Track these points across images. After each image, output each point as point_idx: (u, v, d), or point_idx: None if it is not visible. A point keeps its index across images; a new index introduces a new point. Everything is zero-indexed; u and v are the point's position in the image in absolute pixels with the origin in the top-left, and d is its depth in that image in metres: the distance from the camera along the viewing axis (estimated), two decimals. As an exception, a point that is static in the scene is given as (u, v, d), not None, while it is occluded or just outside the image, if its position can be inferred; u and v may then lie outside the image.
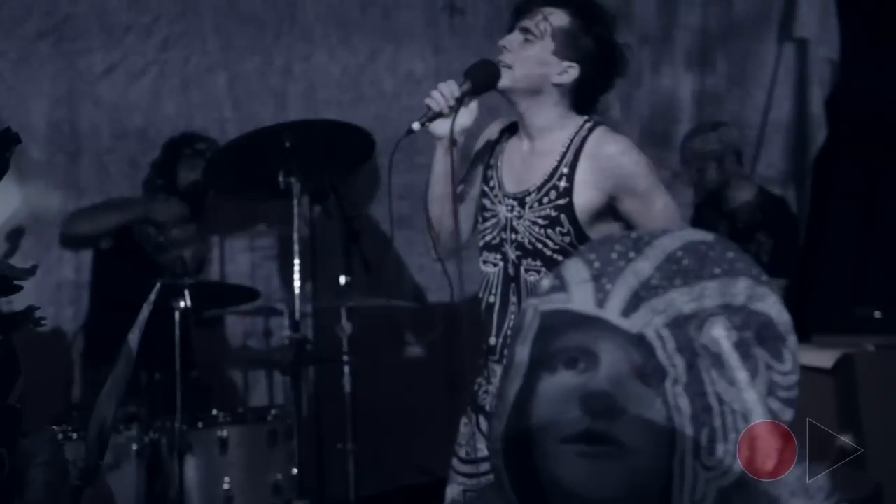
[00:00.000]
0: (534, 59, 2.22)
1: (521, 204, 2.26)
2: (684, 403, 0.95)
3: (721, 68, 4.75)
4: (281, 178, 3.40)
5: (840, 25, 4.53)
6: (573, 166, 2.22)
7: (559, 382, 0.98)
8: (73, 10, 4.13)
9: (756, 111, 4.71)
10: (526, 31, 2.23)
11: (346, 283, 3.82)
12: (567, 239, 2.21)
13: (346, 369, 3.80)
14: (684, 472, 0.95)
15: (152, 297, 1.55)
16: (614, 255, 0.99)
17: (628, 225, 2.25)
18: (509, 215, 2.28)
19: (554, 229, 2.21)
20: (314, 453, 3.96)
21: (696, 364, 0.96)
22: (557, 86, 2.24)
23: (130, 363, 1.51)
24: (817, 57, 4.58)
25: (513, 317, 2.27)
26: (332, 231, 4.26)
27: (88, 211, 3.98)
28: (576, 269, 1.00)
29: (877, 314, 3.49)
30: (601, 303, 0.98)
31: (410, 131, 2.21)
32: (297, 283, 3.38)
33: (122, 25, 4.22)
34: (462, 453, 2.37)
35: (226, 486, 3.32)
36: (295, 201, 3.36)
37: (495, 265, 2.29)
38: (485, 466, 2.32)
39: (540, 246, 2.23)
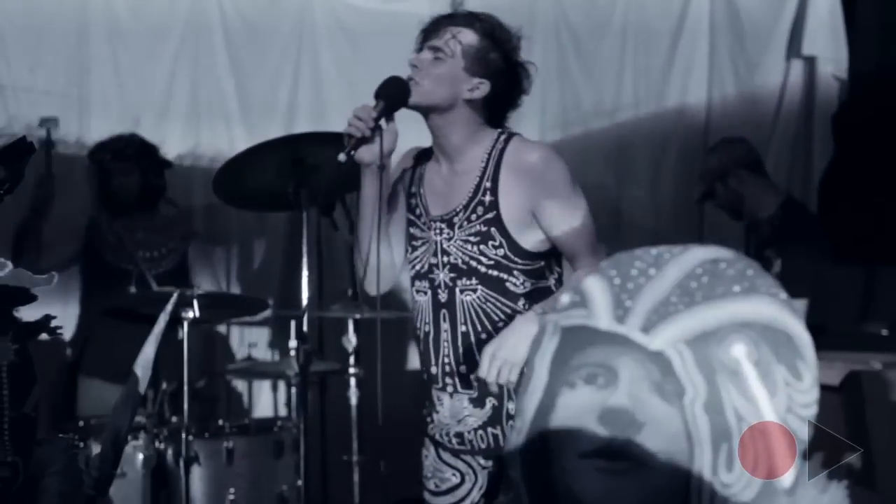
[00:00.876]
0: (445, 76, 2.24)
1: (450, 225, 2.27)
2: (703, 420, 0.96)
3: (729, 85, 4.76)
4: (290, 190, 3.41)
5: (849, 43, 4.54)
6: (495, 179, 2.24)
7: (578, 398, 0.98)
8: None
9: (763, 128, 4.72)
10: (436, 49, 2.25)
11: (353, 294, 3.83)
12: (501, 251, 2.23)
13: (352, 381, 3.80)
14: (702, 490, 0.95)
15: (169, 307, 1.56)
16: (634, 272, 1.00)
17: (546, 232, 2.25)
18: (438, 238, 2.28)
19: (486, 244, 2.22)
20: (319, 465, 3.96)
21: (714, 381, 0.96)
22: (469, 101, 2.26)
23: (147, 374, 1.52)
24: (825, 74, 4.58)
25: (446, 344, 2.27)
26: (340, 243, 4.27)
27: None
28: (596, 285, 1.01)
29: (884, 332, 3.48)
30: (621, 319, 0.98)
31: (338, 163, 2.20)
32: (304, 295, 3.39)
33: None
34: (431, 486, 2.38)
35: (231, 497, 3.33)
36: (304, 213, 3.37)
37: (425, 294, 2.30)
38: (459, 492, 2.33)
39: (474, 263, 2.24)
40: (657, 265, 1.00)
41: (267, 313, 4.09)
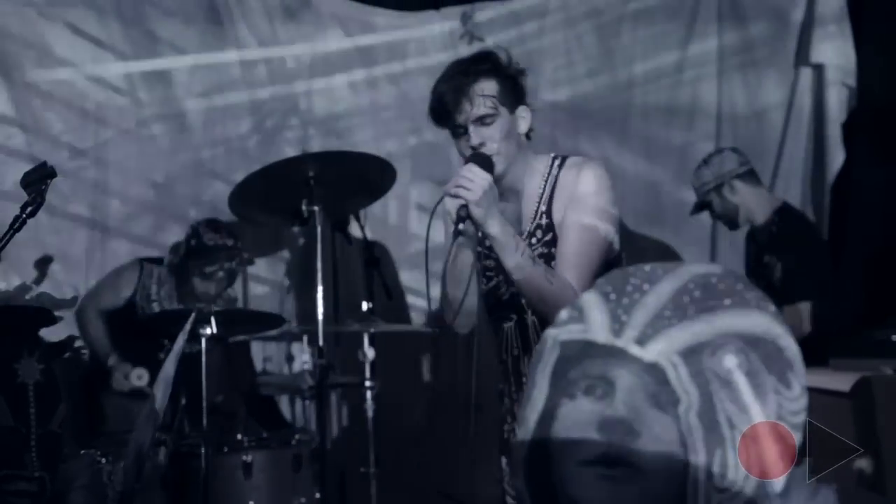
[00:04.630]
0: (506, 131, 2.28)
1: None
2: (697, 428, 1.00)
3: (738, 94, 4.79)
4: (304, 207, 3.46)
5: (856, 51, 4.56)
6: (550, 203, 2.30)
7: (578, 408, 1.02)
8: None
9: (773, 136, 4.75)
10: (481, 119, 2.27)
11: (368, 308, 3.88)
12: None
13: (369, 394, 3.85)
14: (698, 494, 0.99)
15: (187, 326, 1.60)
16: (629, 288, 1.04)
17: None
18: None
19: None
20: (337, 477, 4.00)
21: (708, 391, 1.01)
22: (522, 132, 2.33)
23: (168, 390, 1.57)
24: (834, 82, 4.61)
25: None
26: (354, 257, 4.33)
27: (98, 290, 3.96)
28: (593, 301, 1.06)
29: (894, 338, 3.49)
30: (617, 332, 1.03)
31: (459, 233, 2.17)
32: (320, 309, 3.44)
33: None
34: (512, 491, 2.44)
35: (251, 510, 3.36)
36: (318, 229, 3.42)
37: (510, 320, 2.34)
38: None
39: None
40: (651, 281, 1.04)
41: (284, 328, 4.13)
